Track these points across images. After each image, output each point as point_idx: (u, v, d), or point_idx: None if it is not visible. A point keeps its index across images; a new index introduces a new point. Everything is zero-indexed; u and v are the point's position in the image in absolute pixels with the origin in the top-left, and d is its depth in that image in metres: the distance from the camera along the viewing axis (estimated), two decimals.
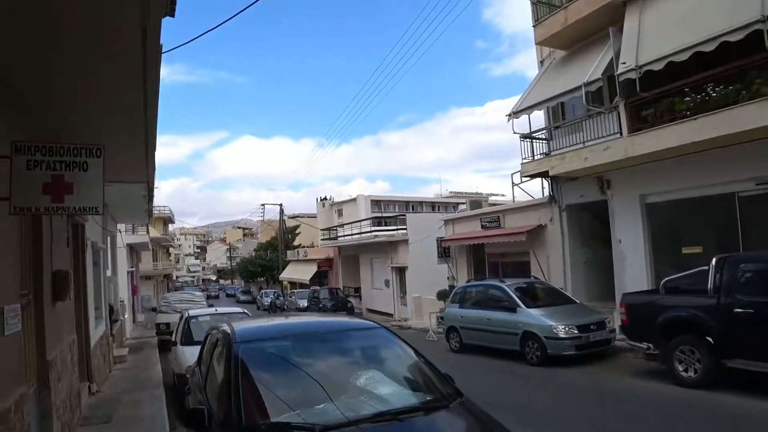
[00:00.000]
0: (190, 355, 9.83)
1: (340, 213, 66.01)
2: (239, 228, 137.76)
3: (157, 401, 9.63)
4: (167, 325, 19.53)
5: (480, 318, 14.34)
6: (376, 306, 31.46)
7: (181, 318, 12.85)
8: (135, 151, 7.49)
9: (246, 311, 12.84)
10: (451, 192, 73.06)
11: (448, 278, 23.90)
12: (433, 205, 52.93)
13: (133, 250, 32.35)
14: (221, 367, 4.67)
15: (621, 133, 14.29)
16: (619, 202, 15.62)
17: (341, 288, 34.17)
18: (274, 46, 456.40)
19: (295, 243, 58.20)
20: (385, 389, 4.28)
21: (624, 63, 13.51)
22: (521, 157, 17.76)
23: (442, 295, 24.02)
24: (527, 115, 17.72)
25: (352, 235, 33.72)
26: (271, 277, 62.67)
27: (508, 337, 13.33)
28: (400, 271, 28.83)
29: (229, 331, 4.99)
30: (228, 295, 66.04)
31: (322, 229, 40.10)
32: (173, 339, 11.96)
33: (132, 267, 30.75)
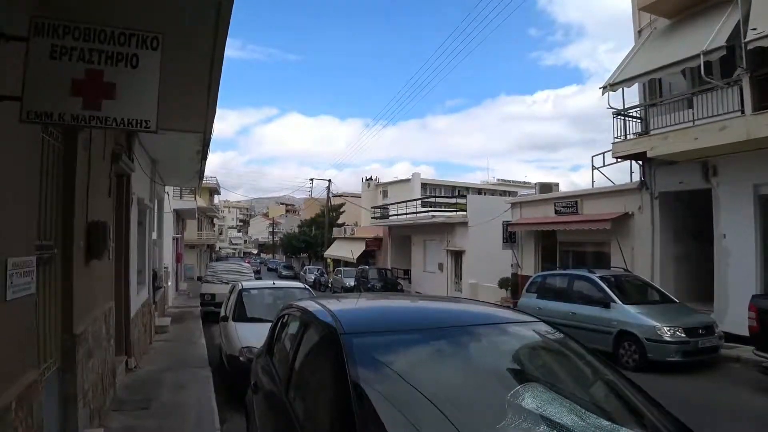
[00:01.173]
0: (243, 333, 8.43)
1: (385, 194, 65.16)
2: (282, 204, 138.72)
3: (204, 385, 8.24)
4: (212, 296, 18.34)
5: (563, 312, 12.58)
6: (427, 290, 29.87)
7: (232, 290, 11.49)
8: (196, 79, 6.00)
9: (308, 287, 11.34)
10: (498, 180, 70.85)
11: (512, 265, 22.15)
12: (480, 192, 50.96)
13: (179, 216, 31.46)
14: (317, 369, 3.17)
15: (742, 111, 12.29)
16: (727, 192, 13.63)
17: (390, 269, 32.61)
18: (326, 25, 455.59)
19: (340, 221, 57.03)
20: (566, 416, 2.65)
21: (754, 29, 11.54)
22: (613, 136, 15.85)
23: (504, 284, 22.33)
24: (609, 93, 15.75)
25: (406, 214, 32.03)
26: (315, 254, 61.74)
27: (598, 336, 11.56)
28: (456, 254, 27.15)
29: (326, 314, 3.51)
30: (269, 269, 65.19)
31: (373, 207, 38.51)
32: (223, 313, 10.58)
33: (178, 234, 29.84)
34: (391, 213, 35.12)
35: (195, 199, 29.88)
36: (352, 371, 2.69)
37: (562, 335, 3.50)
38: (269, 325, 8.77)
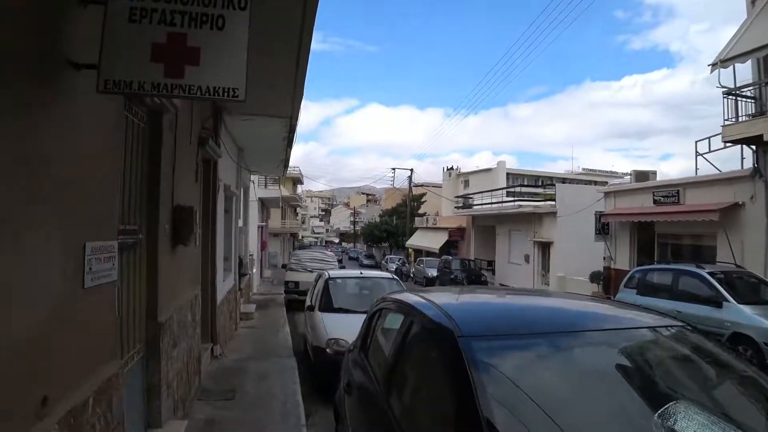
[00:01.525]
0: (330, 325, 8.16)
1: (466, 183, 64.23)
2: (363, 193, 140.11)
3: (289, 376, 8.03)
4: (296, 283, 18.33)
5: (667, 311, 11.57)
6: (511, 282, 28.99)
7: (317, 279, 11.27)
8: (283, 61, 5.69)
9: (396, 278, 10.95)
10: (584, 169, 68.01)
11: (604, 258, 20.99)
12: (564, 182, 48.86)
13: (264, 205, 31.95)
14: (430, 377, 2.75)
15: None
16: None
17: (473, 259, 31.86)
18: (405, 15, 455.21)
19: (421, 211, 56.58)
20: None
21: None
22: (723, 118, 14.54)
23: (595, 277, 21.26)
24: (719, 70, 14.42)
25: (491, 203, 31.14)
26: (396, 243, 61.64)
27: None
28: (544, 246, 26.13)
29: (435, 310, 3.07)
30: (350, 258, 65.62)
31: (456, 197, 37.75)
32: (309, 303, 10.36)
33: (262, 222, 30.30)
34: (474, 202, 34.26)
35: (279, 188, 30.19)
36: (480, 391, 2.21)
37: (719, 346, 2.91)
38: (356, 316, 8.52)
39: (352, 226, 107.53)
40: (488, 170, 51.25)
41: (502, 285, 29.95)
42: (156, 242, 4.79)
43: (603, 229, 20.80)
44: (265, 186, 28.64)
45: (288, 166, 16.49)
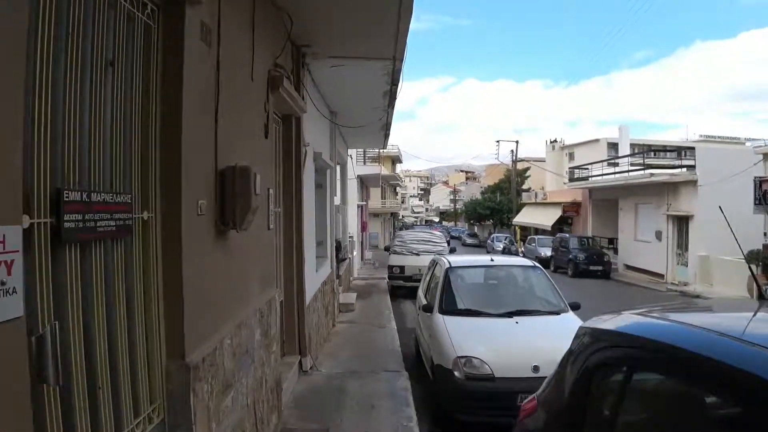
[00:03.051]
0: (458, 335, 5.95)
1: (571, 156, 60.68)
2: (462, 171, 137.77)
3: (401, 404, 5.90)
4: (401, 268, 16.30)
5: None
6: (639, 263, 25.58)
7: (432, 267, 9.01)
8: None
9: (539, 266, 8.21)
10: (702, 136, 61.41)
11: (765, 234, 17.49)
12: (679, 152, 43.53)
13: (363, 184, 30.22)
14: None
15: None
16: None
17: (592, 237, 28.53)
18: None
19: (524, 187, 53.25)
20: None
21: None
22: None
23: (754, 257, 17.76)
24: None
25: (615, 173, 27.60)
26: (500, 221, 58.76)
27: None
28: (680, 220, 22.60)
29: None
30: (452, 237, 63.28)
31: (570, 168, 34.26)
32: (424, 301, 8.05)
33: (362, 201, 28.57)
34: (592, 173, 30.74)
35: (379, 164, 28.23)
36: None
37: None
38: (492, 321, 6.20)
39: (452, 205, 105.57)
40: (594, 141, 47.20)
41: (628, 266, 26.66)
42: (179, 228, 2.77)
43: (764, 197, 17.27)
44: (364, 163, 26.80)
45: (389, 133, 14.41)
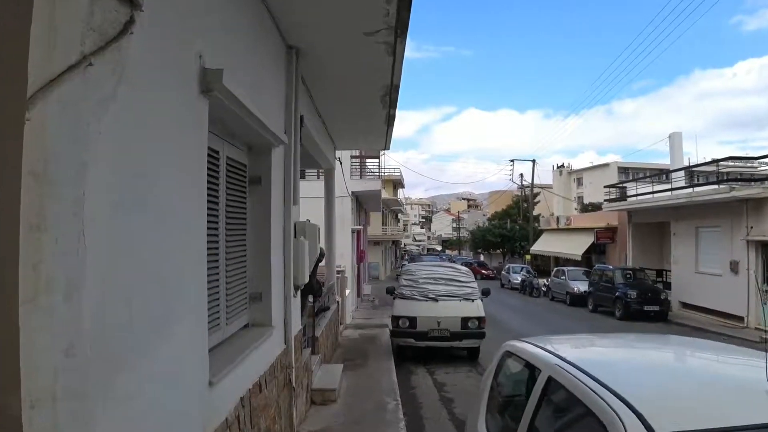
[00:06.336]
0: None
1: (579, 181, 58.27)
2: (463, 199, 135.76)
3: None
4: (411, 320, 11.02)
5: None
6: (703, 301, 20.43)
7: (502, 360, 3.95)
8: None
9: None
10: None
11: None
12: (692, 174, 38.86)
13: (361, 205, 25.21)
14: None
15: None
16: None
17: (640, 269, 23.34)
18: (499, 16, 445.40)
19: (534, 212, 48.47)
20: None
21: None
22: None
23: None
24: None
25: (670, 190, 22.43)
26: (512, 249, 53.73)
27: None
28: (767, 248, 17.56)
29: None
30: None
31: (606, 186, 28.98)
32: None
33: (359, 225, 23.52)
34: (636, 192, 25.55)
35: (380, 175, 23.01)
36: None
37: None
38: None
39: (454, 233, 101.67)
40: (605, 165, 43.50)
41: (686, 305, 21.55)
42: None
43: None
44: (360, 176, 21.78)
45: (393, 122, 9.51)
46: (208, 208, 3.54)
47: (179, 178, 2.73)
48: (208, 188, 3.54)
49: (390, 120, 9.21)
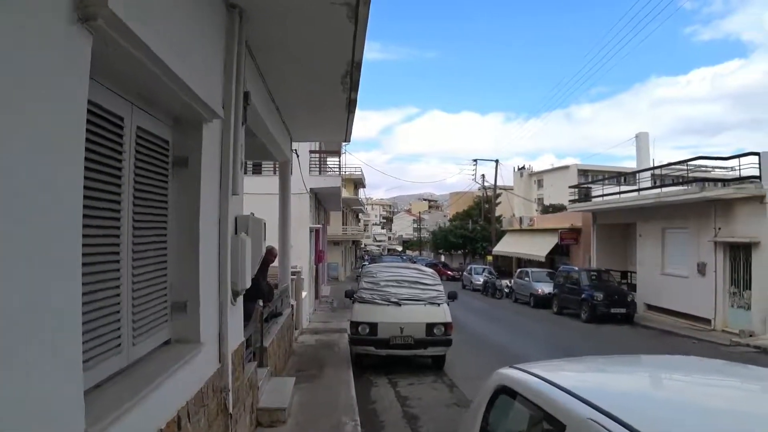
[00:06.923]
0: None
1: (539, 183, 58.84)
2: (424, 200, 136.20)
3: None
4: (371, 327, 10.14)
5: None
6: (669, 303, 20.05)
7: (492, 398, 3.07)
8: None
9: None
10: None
11: None
12: (661, 176, 39.29)
13: (320, 203, 24.23)
14: None
15: None
16: None
17: (605, 270, 22.85)
18: (463, 19, 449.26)
19: (496, 214, 48.36)
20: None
21: None
22: None
23: None
24: None
25: (637, 190, 22.01)
26: (474, 250, 53.46)
27: None
28: (735, 249, 17.19)
29: None
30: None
31: (570, 187, 28.63)
32: None
33: (318, 224, 22.54)
34: (604, 192, 25.12)
35: (339, 170, 21.94)
36: None
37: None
38: None
39: (415, 234, 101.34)
40: (565, 168, 43.71)
41: (651, 306, 21.22)
42: None
43: None
44: (320, 172, 20.80)
45: (354, 108, 8.62)
46: (105, 193, 2.62)
47: (31, 142, 1.80)
48: (107, 167, 2.62)
49: (351, 106, 8.31)
